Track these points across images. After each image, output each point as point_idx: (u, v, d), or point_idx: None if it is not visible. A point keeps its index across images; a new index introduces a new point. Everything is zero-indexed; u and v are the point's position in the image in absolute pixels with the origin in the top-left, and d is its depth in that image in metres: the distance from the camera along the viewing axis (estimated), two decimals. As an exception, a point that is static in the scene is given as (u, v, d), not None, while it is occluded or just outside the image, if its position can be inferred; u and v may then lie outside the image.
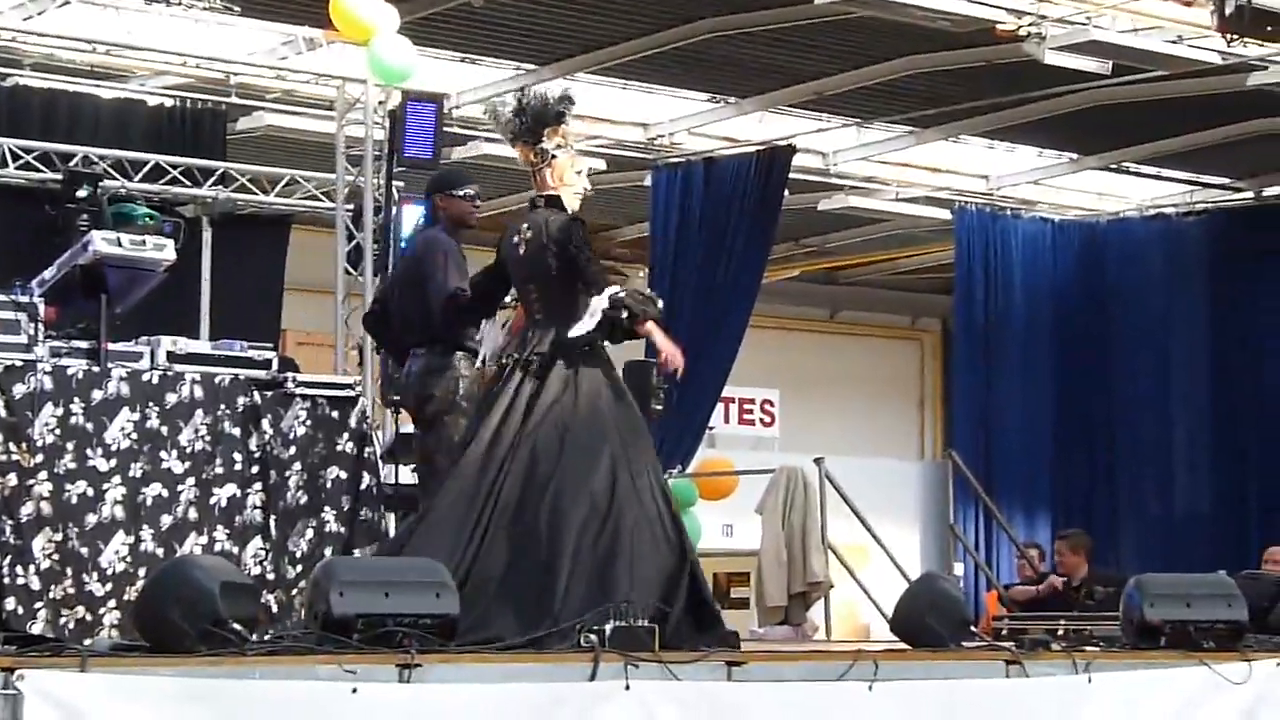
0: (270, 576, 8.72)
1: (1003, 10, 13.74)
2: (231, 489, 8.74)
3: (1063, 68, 14.32)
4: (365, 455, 9.15)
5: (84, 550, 8.33)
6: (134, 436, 8.52)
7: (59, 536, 8.27)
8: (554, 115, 7.88)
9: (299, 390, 9.02)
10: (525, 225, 7.85)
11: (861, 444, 20.94)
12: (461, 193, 8.80)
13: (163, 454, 8.58)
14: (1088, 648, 7.84)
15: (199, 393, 8.72)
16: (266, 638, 6.61)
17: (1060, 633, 10.30)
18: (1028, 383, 18.40)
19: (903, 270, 22.05)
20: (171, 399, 8.65)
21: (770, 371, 20.34)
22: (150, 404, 8.59)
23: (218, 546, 8.62)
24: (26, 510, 8.23)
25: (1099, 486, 18.45)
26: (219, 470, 8.71)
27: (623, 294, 7.65)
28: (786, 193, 15.94)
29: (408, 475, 11.16)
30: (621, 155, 16.57)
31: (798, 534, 13.44)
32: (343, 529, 9.00)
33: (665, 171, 16.11)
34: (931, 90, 15.82)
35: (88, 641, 7.22)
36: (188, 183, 13.06)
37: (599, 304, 7.64)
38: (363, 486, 9.10)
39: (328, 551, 8.83)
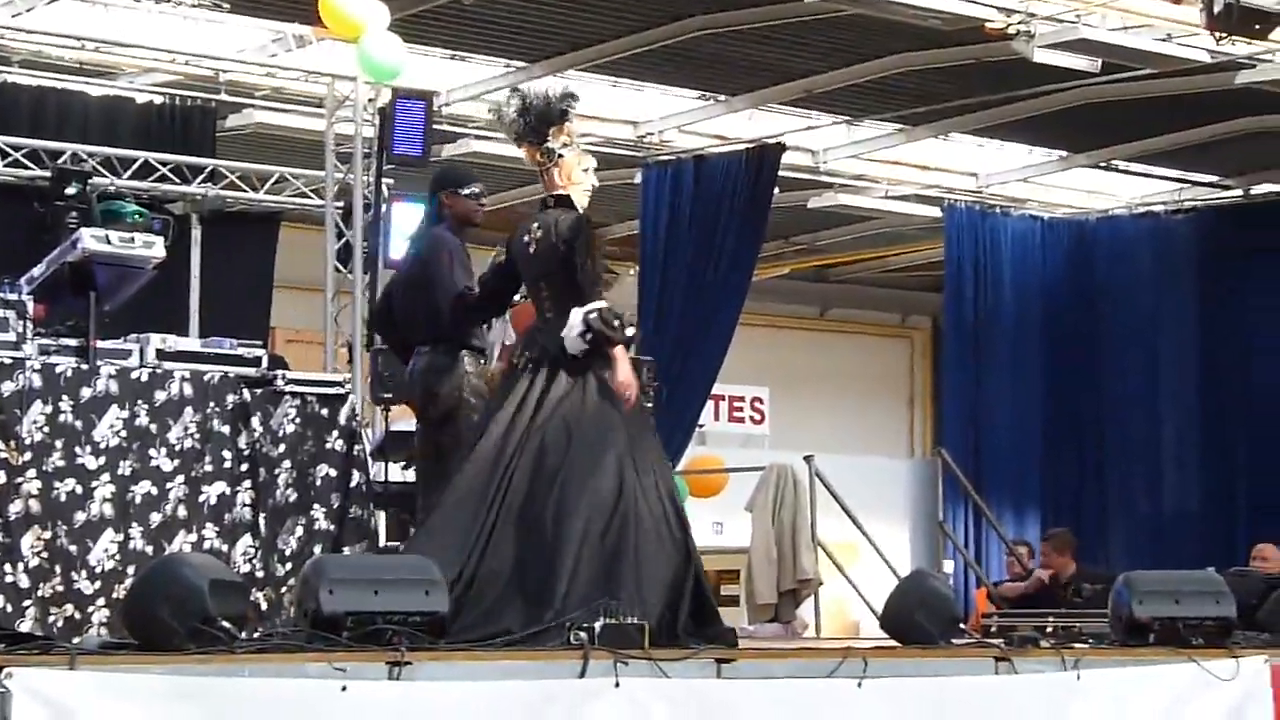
0: (260, 574, 8.72)
1: (992, 8, 13.74)
2: (221, 487, 8.73)
3: (1052, 66, 14.32)
4: (355, 453, 9.15)
5: (73, 548, 8.32)
6: (123, 434, 8.51)
7: (48, 534, 8.27)
8: (558, 114, 7.91)
9: (288, 388, 9.02)
10: (536, 224, 7.88)
11: (851, 441, 20.96)
12: (467, 191, 8.79)
13: (152, 452, 8.58)
14: (1077, 645, 7.85)
15: (188, 390, 8.72)
16: (256, 636, 6.61)
17: (1049, 630, 10.32)
18: (1017, 380, 18.41)
19: (892, 268, 22.07)
20: (161, 396, 8.65)
21: (760, 369, 20.36)
22: (139, 401, 8.59)
23: (207, 544, 8.62)
24: (15, 508, 8.23)
25: (1088, 484, 18.47)
26: (208, 468, 8.71)
27: (595, 314, 7.64)
28: (776, 190, 15.95)
29: (397, 473, 11.17)
30: (611, 153, 16.54)
31: (788, 531, 13.44)
32: (332, 527, 9.01)
33: (655, 169, 16.11)
34: (921, 88, 15.83)
35: (76, 639, 7.20)
36: (177, 180, 13.04)
37: (576, 323, 7.65)
38: (352, 484, 9.10)
39: (317, 549, 8.83)
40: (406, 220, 13.34)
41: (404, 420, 11.91)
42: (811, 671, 6.85)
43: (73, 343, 8.55)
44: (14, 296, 8.50)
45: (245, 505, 8.78)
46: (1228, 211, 18.73)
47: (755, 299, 16.85)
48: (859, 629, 15.48)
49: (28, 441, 8.28)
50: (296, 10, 13.24)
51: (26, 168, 12.42)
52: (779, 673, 6.83)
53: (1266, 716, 7.63)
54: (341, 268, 13.20)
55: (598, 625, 6.68)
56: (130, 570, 8.27)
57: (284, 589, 8.69)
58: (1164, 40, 14.14)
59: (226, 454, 8.77)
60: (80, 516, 8.36)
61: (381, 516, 10.27)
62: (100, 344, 8.57)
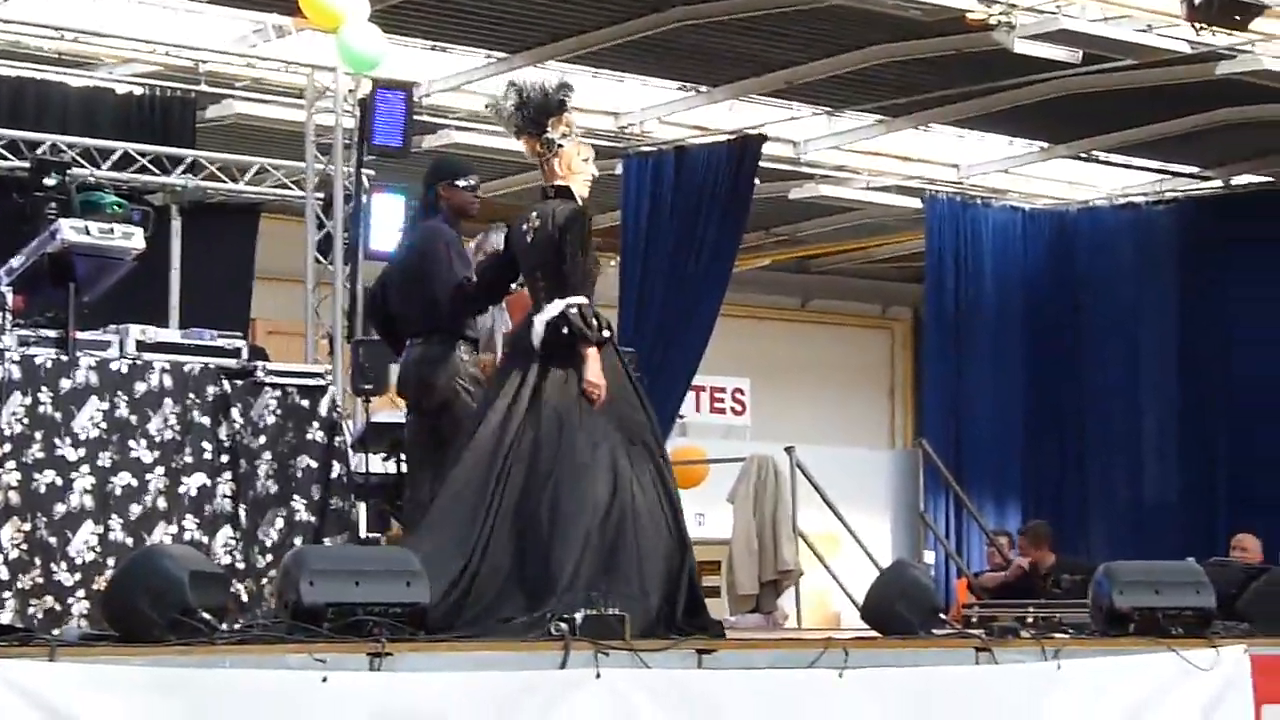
0: (240, 566, 8.69)
1: (973, -1, 13.78)
2: (201, 478, 8.70)
3: (1033, 56, 14.34)
4: (335, 444, 9.12)
5: (52, 540, 8.29)
6: (103, 426, 8.48)
7: (27, 526, 8.23)
8: (556, 104, 7.99)
9: (269, 379, 8.99)
10: (535, 214, 7.93)
11: (832, 432, 20.97)
12: (464, 183, 8.84)
13: (132, 443, 8.54)
14: (1057, 635, 7.86)
15: (168, 382, 8.69)
16: (236, 627, 6.60)
17: (1030, 620, 10.35)
18: (998, 371, 18.44)
19: (873, 259, 22.08)
20: (140, 388, 8.62)
21: (741, 360, 20.36)
22: (119, 393, 8.55)
23: (187, 536, 8.58)
24: (-6, 500, 8.20)
25: (1069, 475, 18.50)
26: (188, 459, 8.68)
27: (576, 310, 7.66)
28: (757, 181, 15.94)
29: (378, 464, 11.15)
30: (592, 144, 16.49)
31: (769, 522, 13.44)
32: (313, 518, 8.98)
33: (636, 160, 16.10)
34: (902, 79, 15.83)
35: (56, 631, 7.21)
36: (157, 171, 13.02)
37: (552, 310, 7.66)
38: (333, 475, 9.07)
39: (298, 540, 8.80)
40: (387, 211, 13.35)
41: (385, 411, 11.90)
42: (792, 662, 6.86)
43: (52, 334, 8.51)
44: (-7, 288, 8.46)
45: (225, 497, 8.75)
46: (1208, 202, 18.76)
47: (736, 290, 16.85)
48: (840, 620, 15.48)
49: (7, 433, 8.24)
50: (276, 1, 13.21)
51: (5, 159, 12.39)
52: (760, 663, 6.84)
53: (1246, 706, 7.65)
54: (322, 259, 13.18)
55: (579, 616, 6.68)
56: (110, 562, 8.24)
57: (264, 580, 8.66)
58: (1144, 31, 14.16)
59: (207, 445, 8.74)
60: (60, 508, 8.32)
61: (362, 508, 10.24)
62: (80, 335, 8.54)
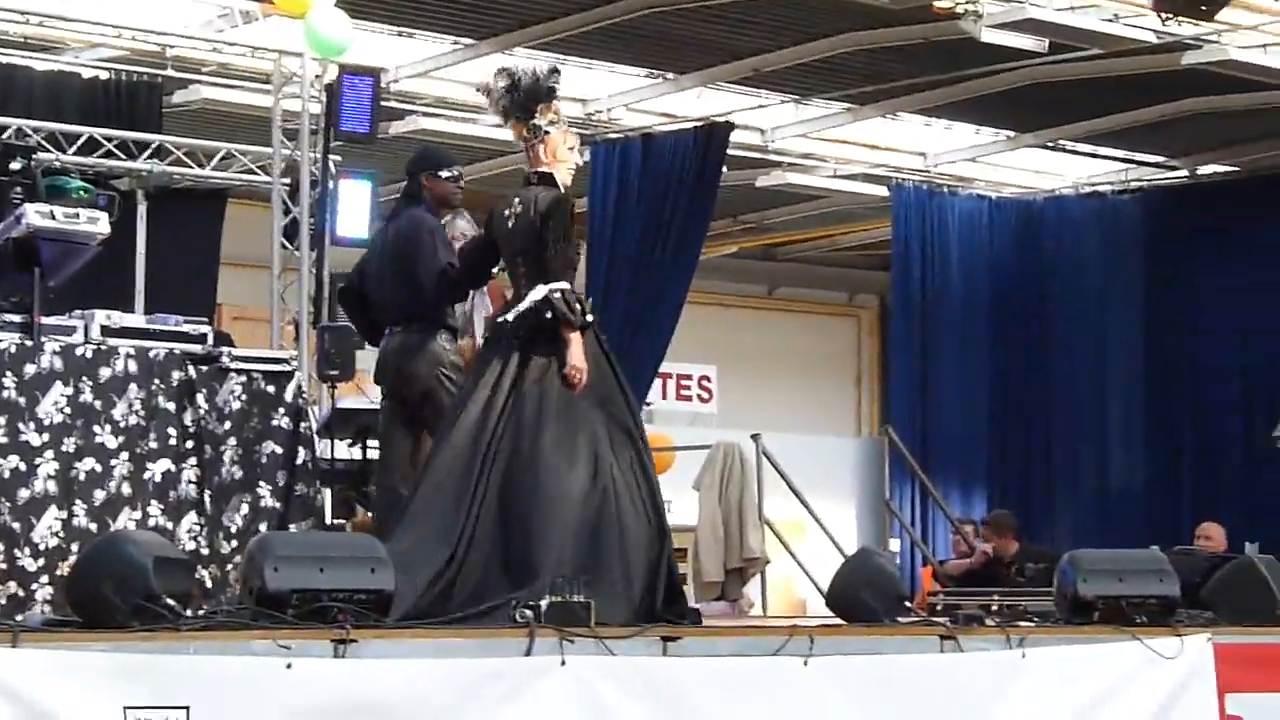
0: (205, 552, 8.67)
1: (940, -13, 13.79)
2: (166, 464, 8.68)
3: (1000, 45, 14.36)
4: (301, 430, 9.11)
5: (16, 525, 8.26)
6: (67, 411, 8.45)
7: (-9, 511, 8.21)
8: (545, 91, 7.99)
9: (234, 365, 8.98)
10: (517, 200, 7.95)
11: (798, 420, 20.96)
12: (447, 173, 8.93)
13: (96, 428, 8.52)
14: (1022, 623, 7.88)
15: (133, 367, 8.66)
16: (200, 613, 6.58)
17: (994, 608, 10.36)
18: (964, 359, 18.48)
19: (840, 247, 22.09)
20: (105, 373, 8.59)
21: (708, 347, 20.36)
22: (84, 378, 8.53)
23: (152, 521, 8.56)
24: (-42, 485, 8.17)
25: (1034, 463, 18.56)
26: (153, 445, 8.66)
27: (559, 294, 7.67)
28: (725, 169, 15.93)
29: (343, 450, 11.14)
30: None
31: (734, 510, 13.44)
32: (278, 504, 8.96)
33: (603, 147, 16.06)
34: (869, 67, 15.84)
35: (20, 617, 7.18)
36: (123, 156, 12.97)
37: (537, 294, 7.67)
38: (298, 461, 9.06)
39: (263, 526, 8.78)
40: (353, 197, 13.32)
41: (351, 397, 11.89)
42: (758, 649, 6.86)
43: (16, 319, 8.48)
44: (-43, 273, 8.43)
45: (190, 482, 8.73)
46: (1174, 192, 18.82)
47: (703, 277, 16.84)
48: (805, 607, 15.51)
49: (-30, 418, 8.22)
50: (243, -14, 13.18)
51: (-30, 143, 12.33)
52: (725, 650, 6.84)
53: (1209, 694, 7.68)
54: (288, 244, 13.14)
55: (543, 603, 6.67)
56: (74, 547, 8.21)
57: (229, 566, 8.65)
58: (1111, 21, 14.20)
59: (171, 431, 8.72)
60: (24, 493, 8.30)
61: (327, 494, 10.24)
62: (44, 320, 8.51)
